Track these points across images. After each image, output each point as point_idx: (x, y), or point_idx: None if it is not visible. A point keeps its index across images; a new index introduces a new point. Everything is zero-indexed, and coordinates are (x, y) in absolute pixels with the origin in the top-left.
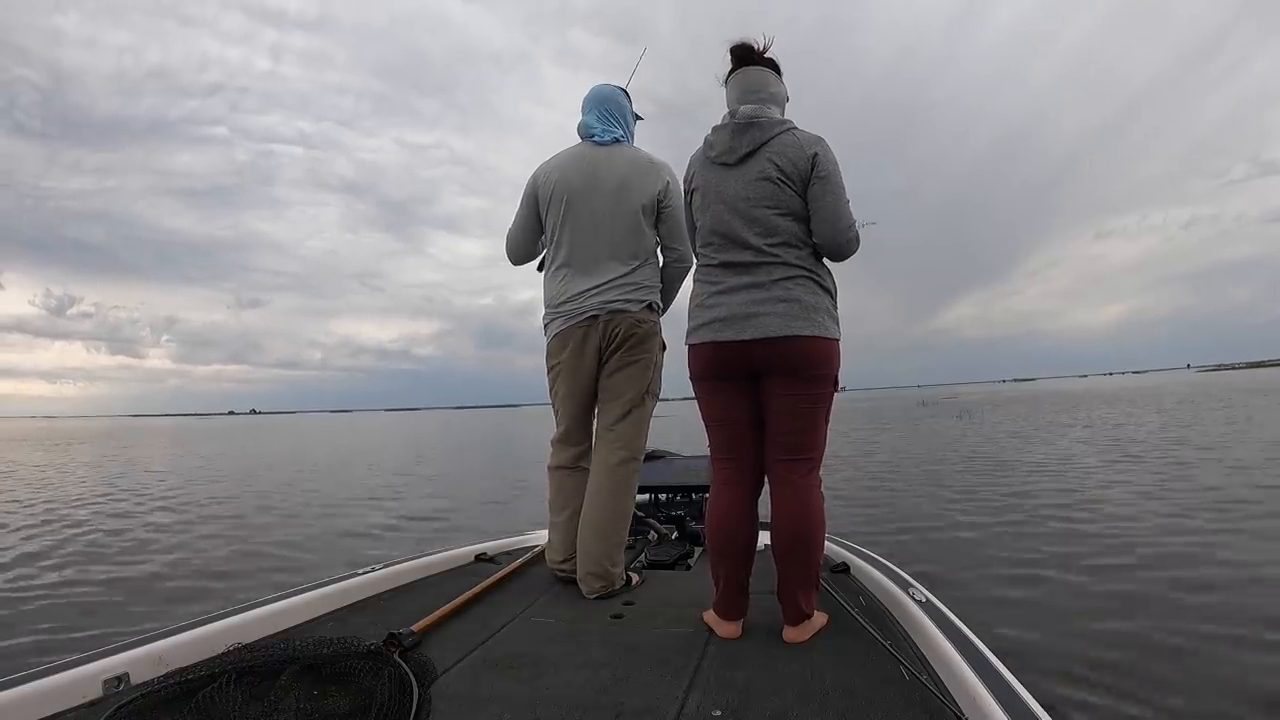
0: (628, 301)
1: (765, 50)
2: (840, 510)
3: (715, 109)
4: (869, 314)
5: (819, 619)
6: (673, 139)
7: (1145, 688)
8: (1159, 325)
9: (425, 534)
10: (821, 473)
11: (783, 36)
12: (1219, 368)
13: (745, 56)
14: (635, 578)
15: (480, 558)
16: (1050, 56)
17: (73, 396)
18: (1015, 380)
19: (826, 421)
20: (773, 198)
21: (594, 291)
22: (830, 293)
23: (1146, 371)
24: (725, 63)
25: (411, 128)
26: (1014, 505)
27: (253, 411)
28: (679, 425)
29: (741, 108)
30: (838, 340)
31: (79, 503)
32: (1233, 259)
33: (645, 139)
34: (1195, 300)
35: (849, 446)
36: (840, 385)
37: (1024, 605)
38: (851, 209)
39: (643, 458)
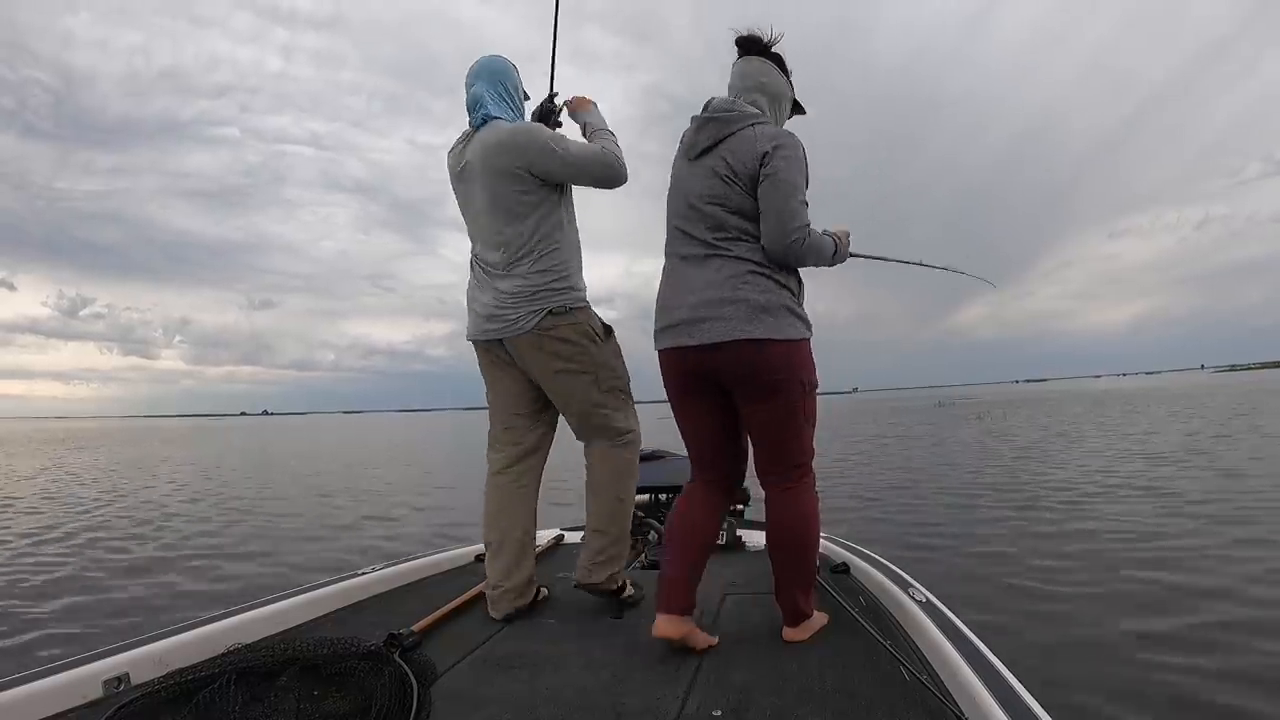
0: (530, 313)
1: (772, 44)
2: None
3: None
4: (882, 315)
5: (819, 619)
6: (675, 139)
7: None
8: (1172, 326)
9: (425, 534)
10: (814, 466)
11: (799, 34)
12: (1232, 368)
13: (748, 46)
14: (631, 589)
15: (480, 558)
16: (1065, 55)
17: (85, 397)
18: (1028, 381)
19: (807, 424)
20: (722, 195)
21: (491, 305)
22: (790, 288)
23: (1161, 372)
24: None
25: (423, 128)
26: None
27: (265, 413)
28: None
29: (715, 99)
30: (799, 340)
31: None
32: (1246, 259)
33: (663, 138)
34: (1208, 300)
35: (867, 452)
36: (812, 385)
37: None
38: (807, 212)
39: (635, 444)
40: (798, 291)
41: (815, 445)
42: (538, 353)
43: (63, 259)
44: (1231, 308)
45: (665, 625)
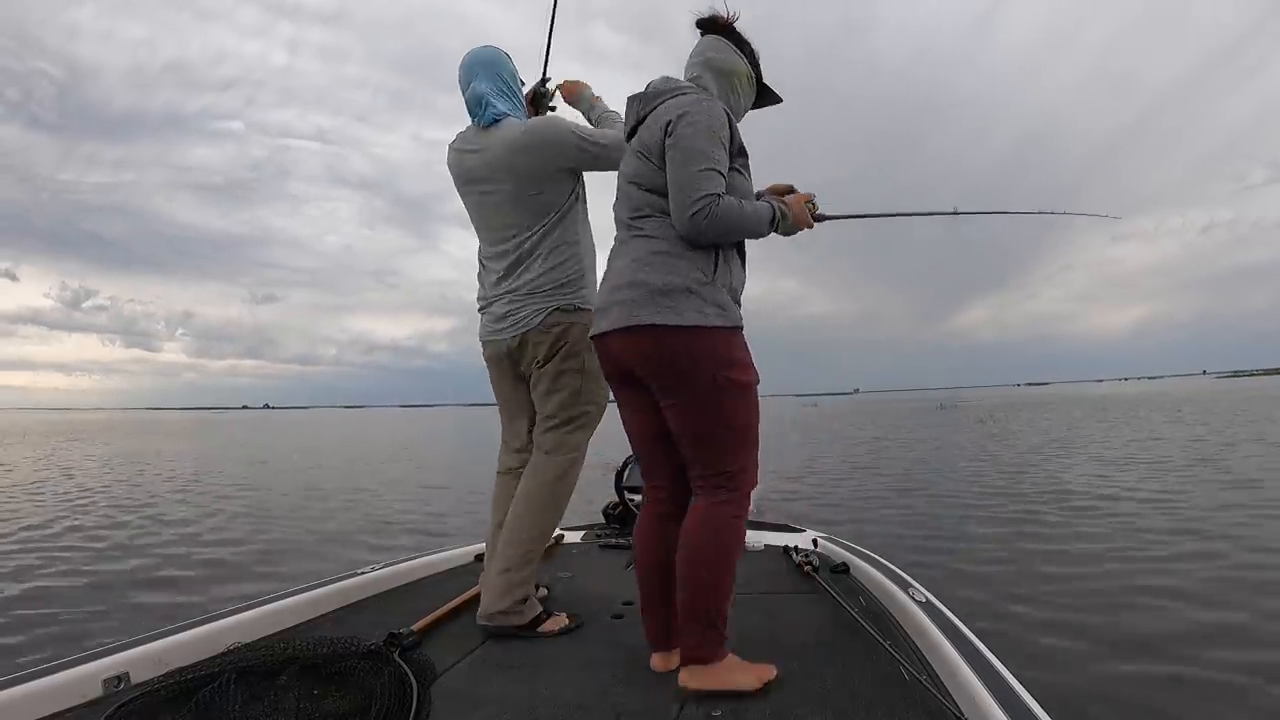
0: (536, 310)
1: (730, 22)
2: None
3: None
4: (885, 315)
5: (731, 674)
6: None
7: None
8: (1175, 331)
9: (425, 534)
10: (748, 488)
11: (803, 35)
12: (1236, 374)
13: (705, 26)
14: (555, 620)
15: (480, 558)
16: (1070, 59)
17: (88, 389)
18: (1029, 384)
19: (730, 431)
20: (638, 172)
21: (504, 305)
22: (701, 269)
23: (1163, 377)
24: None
25: (428, 123)
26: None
27: (266, 406)
28: None
29: (655, 79)
30: (706, 329)
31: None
32: (1249, 264)
33: None
34: (1211, 306)
35: (870, 455)
36: (731, 380)
37: None
38: (716, 180)
39: (576, 463)
40: (712, 273)
41: (812, 452)
42: (538, 348)
43: (66, 251)
44: (1235, 313)
45: (655, 660)
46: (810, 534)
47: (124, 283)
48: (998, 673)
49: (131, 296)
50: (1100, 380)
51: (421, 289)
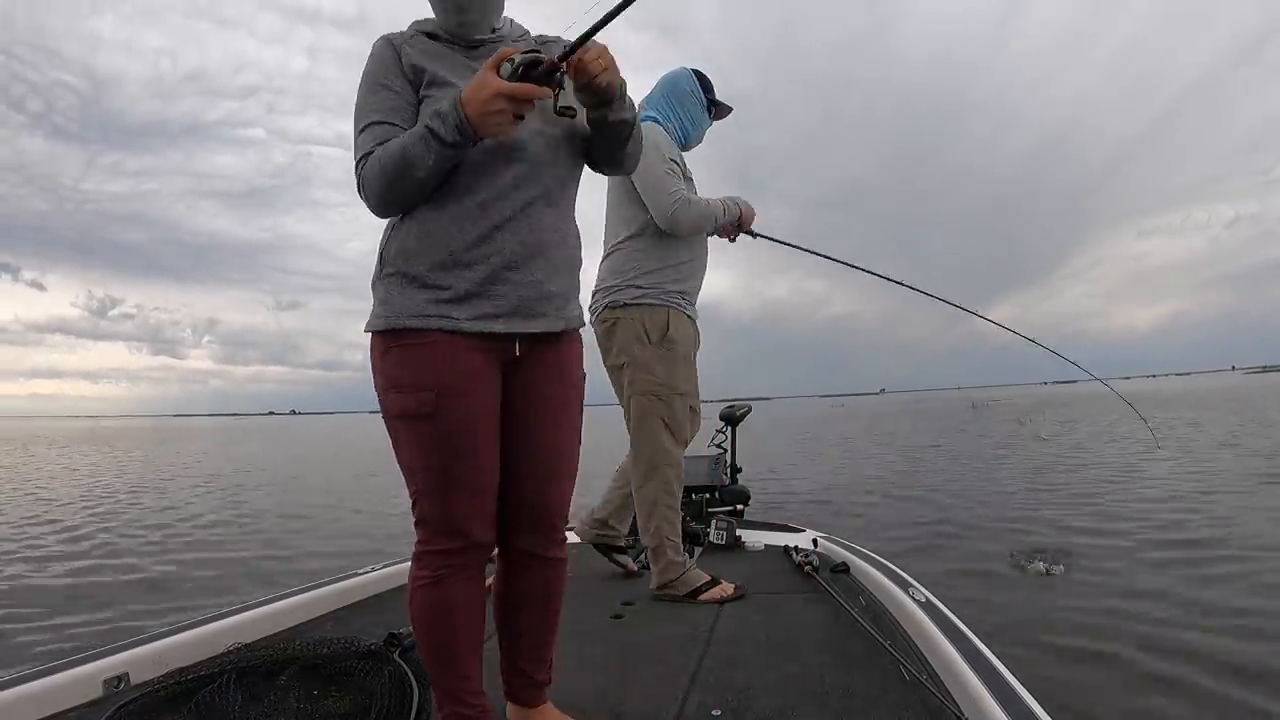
0: (589, 308)
1: None
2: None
3: (756, 105)
4: (909, 316)
5: None
6: (710, 136)
7: None
8: (1202, 327)
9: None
10: (424, 549)
11: (830, 30)
12: (1265, 369)
13: None
14: (721, 588)
15: None
16: (1094, 55)
17: (115, 396)
18: (1056, 383)
19: (402, 465)
20: None
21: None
22: (381, 257)
23: (1191, 373)
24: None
25: None
26: None
27: (292, 412)
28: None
29: None
30: (375, 334)
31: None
32: (1277, 258)
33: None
34: (1238, 300)
35: (896, 464)
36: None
37: None
38: (363, 141)
39: (652, 460)
40: (389, 259)
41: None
42: (598, 342)
43: (92, 260)
44: (1262, 308)
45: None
46: (810, 534)
47: (149, 291)
48: (998, 672)
49: (157, 304)
50: (1128, 378)
51: None
